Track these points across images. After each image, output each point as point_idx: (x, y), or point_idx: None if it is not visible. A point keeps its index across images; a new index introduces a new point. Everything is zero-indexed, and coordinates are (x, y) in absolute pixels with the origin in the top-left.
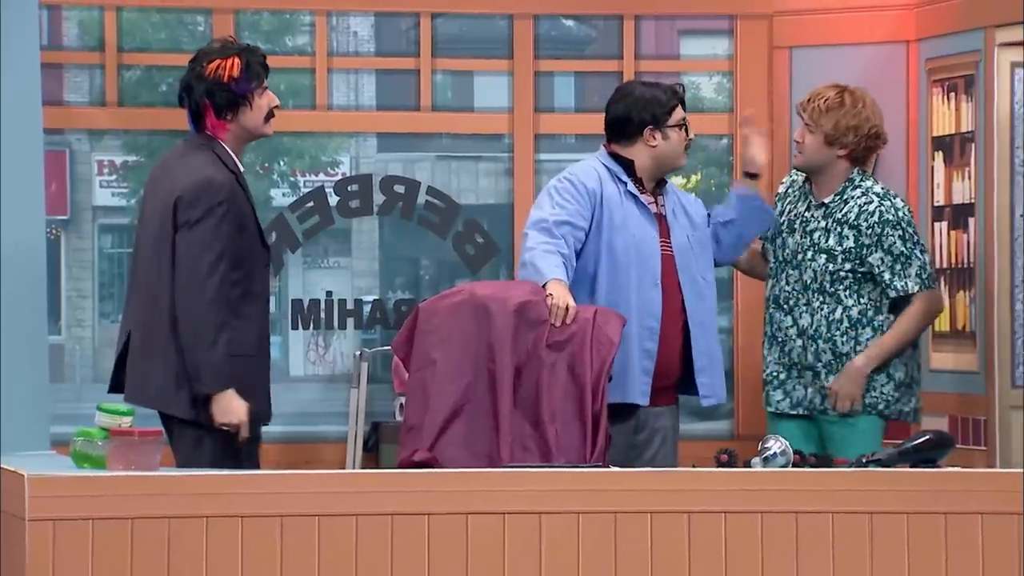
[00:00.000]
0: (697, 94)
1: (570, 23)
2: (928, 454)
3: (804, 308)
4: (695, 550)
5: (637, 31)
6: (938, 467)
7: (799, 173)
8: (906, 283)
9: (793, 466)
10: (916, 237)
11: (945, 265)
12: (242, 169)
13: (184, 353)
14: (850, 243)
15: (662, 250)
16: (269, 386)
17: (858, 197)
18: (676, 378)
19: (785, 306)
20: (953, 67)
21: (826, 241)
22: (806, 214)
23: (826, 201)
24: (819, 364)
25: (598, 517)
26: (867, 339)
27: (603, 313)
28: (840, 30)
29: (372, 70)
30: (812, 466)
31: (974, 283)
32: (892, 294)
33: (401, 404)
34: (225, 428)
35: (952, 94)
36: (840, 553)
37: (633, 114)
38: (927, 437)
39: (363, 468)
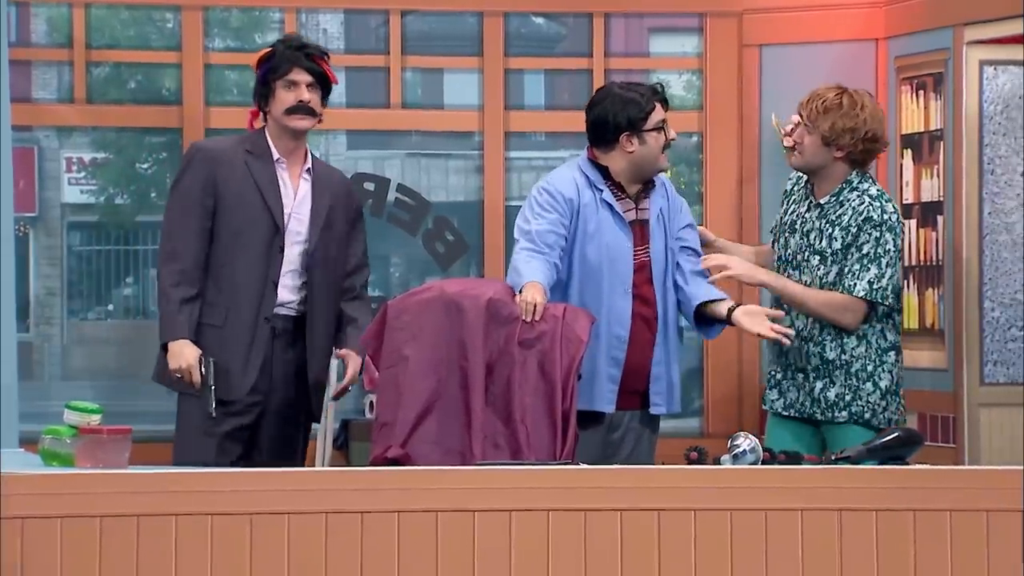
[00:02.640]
0: (667, 92)
1: (540, 21)
2: (897, 451)
3: (799, 310)
4: (664, 547)
5: (607, 29)
6: (907, 464)
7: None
8: (855, 284)
9: (762, 463)
10: (892, 247)
11: (914, 263)
12: (276, 157)
13: None
14: (838, 245)
15: (638, 258)
16: (249, 359)
17: (853, 200)
18: (643, 387)
19: (783, 307)
20: (922, 65)
21: (820, 243)
22: (806, 215)
23: (822, 202)
24: (808, 367)
25: (568, 515)
26: (852, 347)
27: (572, 311)
28: (809, 28)
29: (342, 67)
30: (781, 463)
31: (943, 281)
32: (839, 290)
33: (371, 401)
34: (178, 376)
35: (921, 92)
36: (809, 550)
37: (609, 119)
38: (896, 434)
39: (333, 466)
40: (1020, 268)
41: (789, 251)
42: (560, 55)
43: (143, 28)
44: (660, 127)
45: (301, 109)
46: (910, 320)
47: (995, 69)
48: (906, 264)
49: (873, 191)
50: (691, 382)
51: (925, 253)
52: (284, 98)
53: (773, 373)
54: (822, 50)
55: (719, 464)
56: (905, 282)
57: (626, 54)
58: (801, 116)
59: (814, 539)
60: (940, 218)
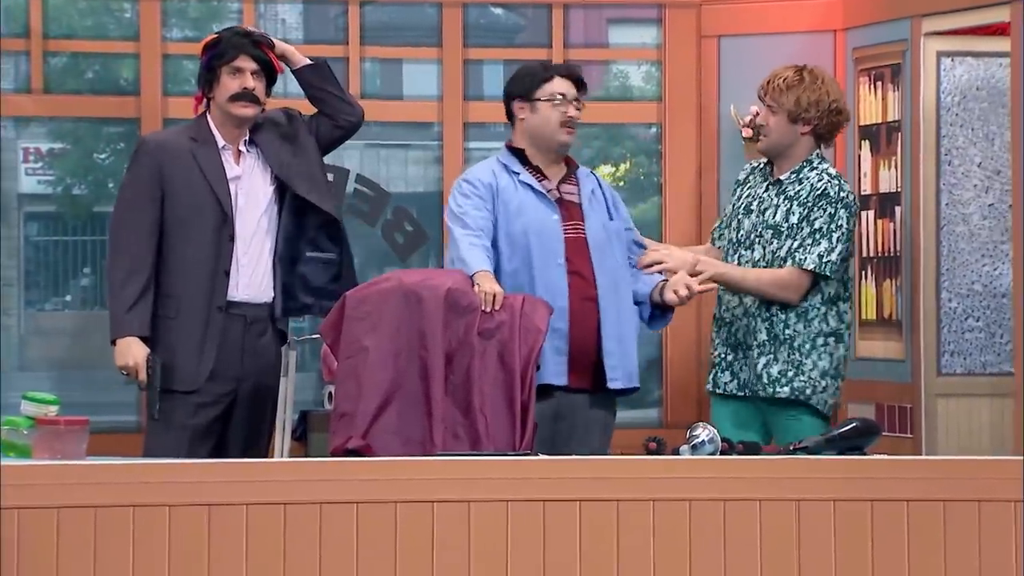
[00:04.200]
0: (626, 83)
1: (499, 11)
2: (855, 441)
3: None
4: (623, 537)
5: (566, 19)
6: (865, 454)
7: (759, 160)
8: (805, 257)
9: (721, 454)
10: (845, 224)
11: (872, 253)
12: (221, 144)
13: None
14: (795, 219)
15: (569, 233)
16: (203, 350)
17: (812, 177)
18: (591, 361)
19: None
20: (880, 56)
21: (774, 217)
22: (763, 195)
23: (781, 178)
24: (754, 343)
25: (527, 505)
26: (794, 323)
27: (531, 302)
28: (768, 19)
29: None
30: (740, 454)
31: (900, 272)
32: (788, 262)
33: (330, 392)
34: (124, 373)
35: (879, 83)
36: (768, 540)
37: (506, 89)
38: (854, 425)
39: (292, 457)
40: (977, 259)
41: (742, 232)
42: (519, 46)
43: (100, 18)
44: (556, 99)
45: (245, 96)
46: (868, 311)
47: (952, 60)
48: (864, 255)
49: (832, 171)
50: (650, 373)
51: (883, 244)
52: (228, 85)
53: (723, 355)
54: (781, 41)
55: (678, 454)
56: (863, 273)
57: (585, 45)
58: (762, 99)
59: (773, 529)
60: (898, 209)
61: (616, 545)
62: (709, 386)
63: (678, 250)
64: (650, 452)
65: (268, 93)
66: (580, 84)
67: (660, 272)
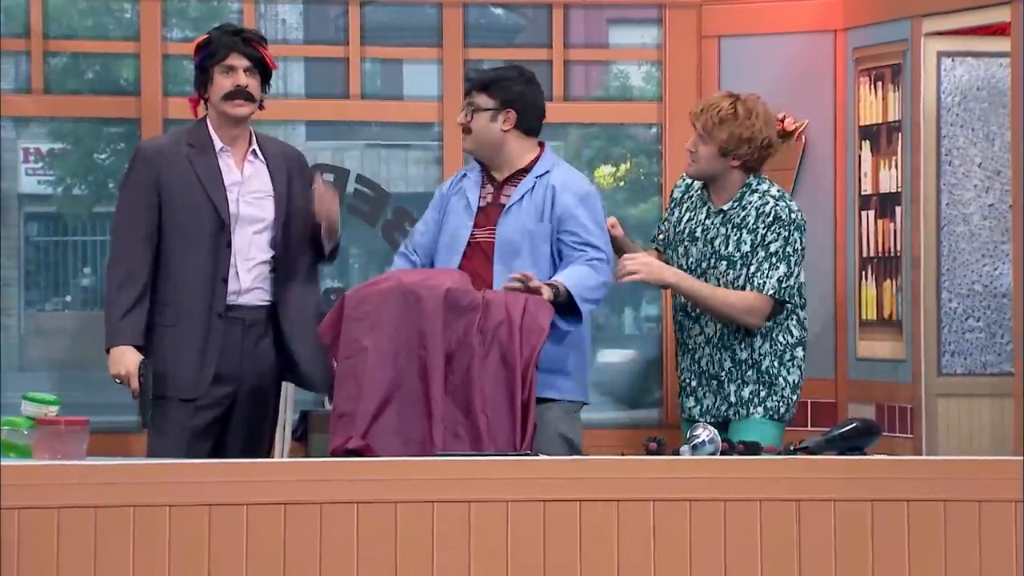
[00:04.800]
0: (626, 83)
1: (499, 11)
2: (855, 442)
3: (709, 316)
4: (623, 538)
5: (566, 19)
6: (865, 455)
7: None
8: (764, 283)
9: (721, 454)
10: (798, 246)
11: (872, 254)
12: (219, 147)
13: None
14: (747, 247)
15: (475, 239)
16: (205, 357)
17: (756, 201)
18: None
19: (692, 314)
20: (880, 56)
21: (726, 248)
22: (706, 222)
23: (724, 208)
24: (722, 373)
25: (527, 505)
26: (759, 346)
27: (534, 302)
28: (768, 19)
29: (301, 58)
30: (740, 454)
31: (900, 272)
32: (748, 288)
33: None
34: (118, 381)
35: (879, 83)
36: (768, 540)
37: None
38: (854, 425)
39: (292, 457)
40: (977, 259)
41: (691, 259)
42: (519, 46)
43: (101, 18)
44: (462, 107)
45: (239, 94)
46: (868, 311)
47: (953, 60)
48: (864, 255)
49: (774, 191)
50: (650, 372)
51: (883, 244)
52: (221, 83)
53: (688, 380)
54: (781, 41)
55: (678, 455)
56: (863, 273)
57: (585, 45)
58: (695, 126)
59: (773, 529)
60: (898, 209)
61: (616, 545)
62: (679, 412)
63: (656, 262)
64: (650, 452)
65: (265, 91)
66: (475, 86)
67: (629, 279)
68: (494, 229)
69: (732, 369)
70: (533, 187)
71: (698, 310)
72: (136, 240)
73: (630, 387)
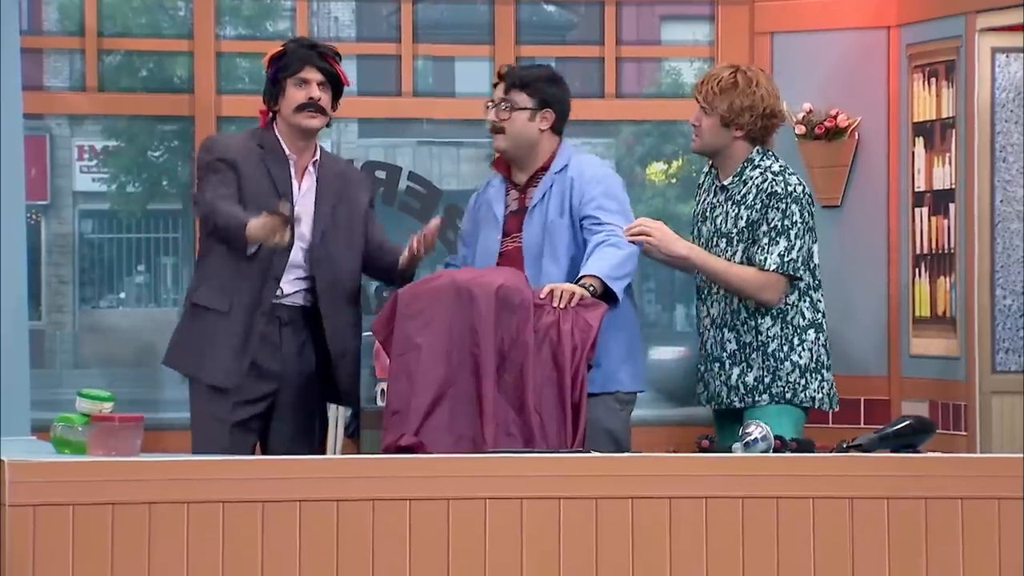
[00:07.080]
0: (678, 79)
1: (551, 9)
2: (908, 439)
3: (714, 297)
4: (676, 535)
5: (618, 16)
6: (918, 452)
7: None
8: (766, 258)
9: (774, 451)
10: (799, 219)
11: (926, 251)
12: (288, 153)
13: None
14: (743, 223)
15: (504, 247)
16: (246, 349)
17: (756, 177)
18: None
19: (703, 295)
20: (934, 52)
21: (725, 225)
22: (712, 200)
23: (726, 184)
24: (724, 354)
25: (579, 502)
26: (767, 328)
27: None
28: (821, 15)
29: (353, 55)
30: (793, 451)
31: (954, 269)
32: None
33: (382, 389)
34: (275, 242)
35: (933, 80)
36: (821, 538)
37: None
38: (908, 422)
39: (344, 454)
40: None
41: (702, 240)
42: (571, 43)
43: (154, 16)
44: (488, 104)
45: (311, 106)
46: (922, 308)
47: (1007, 57)
48: (918, 252)
49: (775, 167)
50: None
51: (937, 241)
52: (294, 95)
53: (698, 365)
54: (834, 38)
55: (730, 452)
56: (916, 270)
57: (638, 42)
58: (697, 99)
59: (825, 527)
60: (952, 206)
61: (669, 543)
62: (701, 401)
63: (662, 226)
64: (703, 450)
65: (335, 106)
66: (513, 84)
67: (640, 239)
68: (515, 236)
69: (736, 352)
70: (552, 184)
71: (704, 291)
72: (225, 197)
73: (681, 384)
